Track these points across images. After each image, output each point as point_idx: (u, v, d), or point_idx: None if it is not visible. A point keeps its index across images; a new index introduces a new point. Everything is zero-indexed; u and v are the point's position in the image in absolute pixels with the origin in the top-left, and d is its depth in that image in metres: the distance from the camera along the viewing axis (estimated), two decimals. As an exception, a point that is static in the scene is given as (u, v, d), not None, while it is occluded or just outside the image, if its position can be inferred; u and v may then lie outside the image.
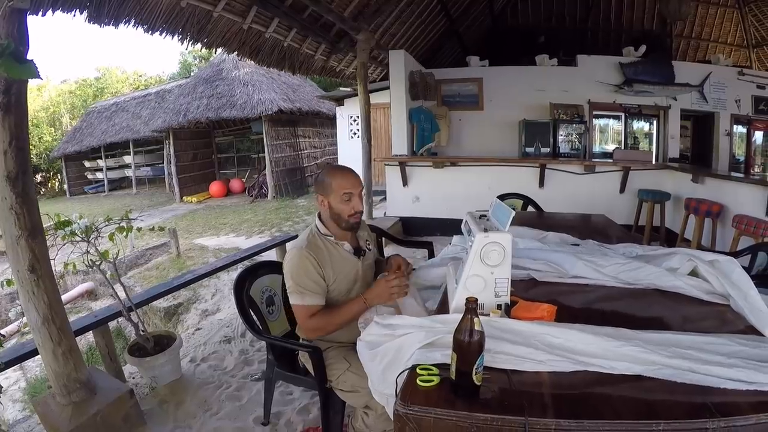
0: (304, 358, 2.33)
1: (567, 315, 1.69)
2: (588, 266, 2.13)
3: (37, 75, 1.53)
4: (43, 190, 23.59)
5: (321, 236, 2.19)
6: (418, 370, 1.34)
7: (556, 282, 2.14)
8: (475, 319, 1.23)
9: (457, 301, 1.68)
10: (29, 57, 2.03)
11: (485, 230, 1.64)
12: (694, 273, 2.07)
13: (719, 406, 1.18)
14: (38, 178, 23.72)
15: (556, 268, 2.20)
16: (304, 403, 2.96)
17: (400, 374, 1.36)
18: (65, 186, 21.60)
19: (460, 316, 1.27)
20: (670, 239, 6.16)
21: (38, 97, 26.98)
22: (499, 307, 1.66)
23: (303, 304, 2.05)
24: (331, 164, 2.27)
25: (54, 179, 24.47)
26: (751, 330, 1.61)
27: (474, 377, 1.22)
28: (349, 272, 2.20)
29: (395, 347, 1.50)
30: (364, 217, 2.36)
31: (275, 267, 2.75)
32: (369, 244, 2.39)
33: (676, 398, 1.23)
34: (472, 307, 1.24)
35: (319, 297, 2.08)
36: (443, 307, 1.87)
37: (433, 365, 1.36)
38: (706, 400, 1.20)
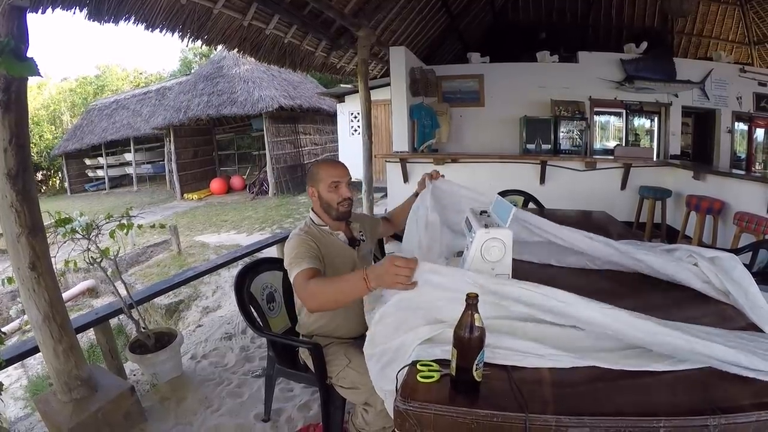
0: (305, 355, 2.34)
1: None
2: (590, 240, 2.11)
3: (37, 72, 1.53)
4: (43, 188, 23.61)
5: (316, 226, 2.23)
6: (418, 366, 1.34)
7: (553, 265, 2.20)
8: (476, 315, 1.22)
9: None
10: (29, 55, 2.04)
11: (486, 226, 1.64)
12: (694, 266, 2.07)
13: (720, 403, 1.17)
14: (39, 176, 23.71)
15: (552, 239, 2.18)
16: (304, 400, 2.97)
17: (400, 370, 1.36)
18: (66, 184, 21.64)
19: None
20: (671, 236, 6.16)
21: (39, 95, 27.01)
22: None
23: (300, 270, 1.93)
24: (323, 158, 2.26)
25: (55, 177, 24.48)
26: (752, 327, 1.61)
27: (474, 373, 1.22)
28: (345, 262, 2.23)
29: (395, 347, 1.49)
30: (364, 213, 2.37)
31: (276, 264, 2.76)
32: (363, 235, 2.41)
33: (677, 395, 1.23)
34: (472, 303, 1.24)
35: (316, 262, 1.99)
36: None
37: (434, 361, 1.36)
38: (707, 398, 1.20)
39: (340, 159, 12.68)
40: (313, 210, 2.29)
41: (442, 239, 2.14)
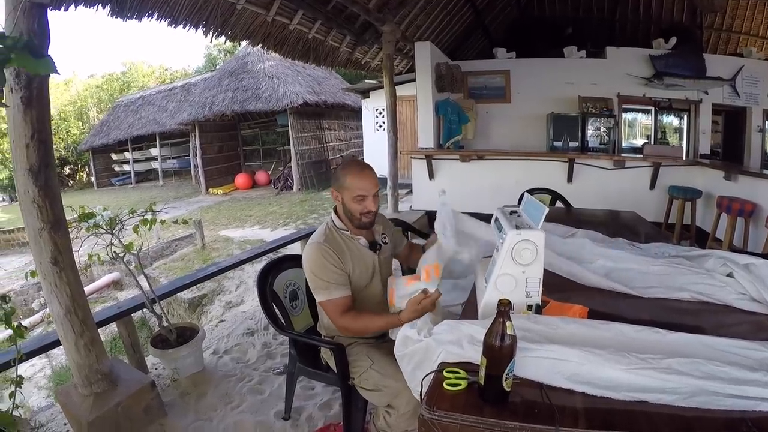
0: (327, 355, 2.31)
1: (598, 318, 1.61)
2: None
3: (54, 70, 1.49)
4: (71, 182, 24.12)
5: (337, 230, 2.18)
6: (444, 373, 1.29)
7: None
8: (508, 323, 1.16)
9: (486, 301, 1.62)
10: (50, 52, 2.03)
11: (517, 227, 1.58)
12: (728, 277, 1.98)
13: (757, 421, 1.12)
14: (66, 170, 24.34)
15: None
16: (325, 399, 2.94)
17: (425, 377, 1.31)
18: (93, 178, 22.08)
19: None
20: (701, 238, 5.99)
21: (66, 91, 27.63)
22: (529, 307, 1.60)
23: (331, 299, 2.03)
24: (351, 160, 2.21)
25: (82, 171, 24.96)
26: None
27: (504, 383, 1.17)
28: (366, 266, 2.19)
29: (424, 347, 1.44)
30: (389, 211, 2.33)
31: (299, 260, 2.71)
32: (385, 238, 2.36)
33: (713, 412, 1.17)
34: (504, 310, 1.18)
35: (345, 288, 2.06)
36: (470, 306, 1.82)
37: (461, 368, 1.31)
38: (744, 416, 1.14)
39: (365, 155, 12.66)
40: (335, 212, 2.22)
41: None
